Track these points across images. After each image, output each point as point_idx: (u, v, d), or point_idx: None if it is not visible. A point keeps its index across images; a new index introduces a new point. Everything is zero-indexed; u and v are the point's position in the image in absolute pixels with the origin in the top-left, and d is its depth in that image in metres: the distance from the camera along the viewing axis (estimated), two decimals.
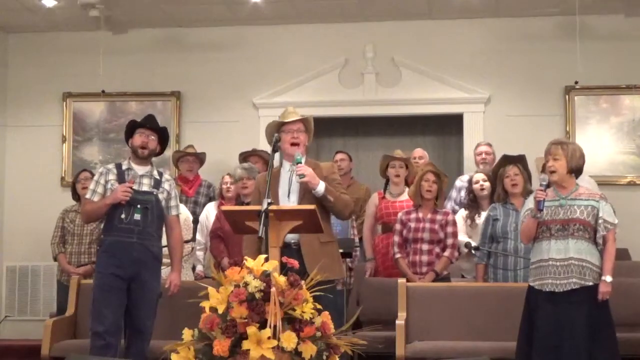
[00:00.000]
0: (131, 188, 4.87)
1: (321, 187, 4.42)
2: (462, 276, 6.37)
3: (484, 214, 5.98)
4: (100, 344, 4.72)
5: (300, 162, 4.40)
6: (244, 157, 7.40)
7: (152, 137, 5.08)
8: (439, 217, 5.80)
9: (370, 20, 8.26)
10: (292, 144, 4.57)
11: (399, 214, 5.95)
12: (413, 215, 5.84)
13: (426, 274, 5.67)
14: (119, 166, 5.07)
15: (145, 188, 4.98)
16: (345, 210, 4.59)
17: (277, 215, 3.74)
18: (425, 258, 5.72)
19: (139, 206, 4.88)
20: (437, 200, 5.85)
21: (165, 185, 5.08)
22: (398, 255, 5.79)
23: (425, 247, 5.73)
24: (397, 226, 5.87)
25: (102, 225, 5.04)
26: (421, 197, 5.82)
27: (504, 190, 5.73)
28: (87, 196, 5.06)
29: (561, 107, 8.08)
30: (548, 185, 4.56)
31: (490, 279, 5.67)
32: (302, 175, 4.36)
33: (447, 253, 5.74)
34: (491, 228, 5.69)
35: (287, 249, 4.23)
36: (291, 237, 4.35)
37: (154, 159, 5.20)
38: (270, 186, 4.29)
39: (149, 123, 5.13)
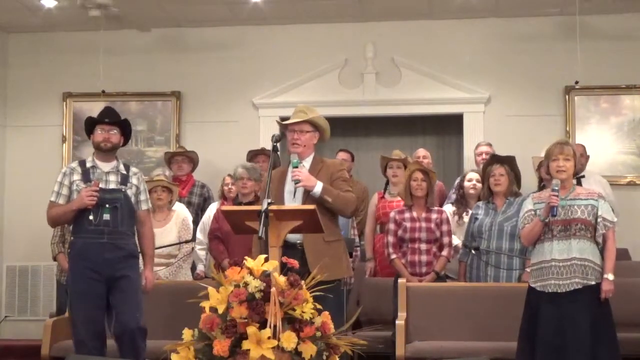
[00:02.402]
0: (97, 190, 4.65)
1: (317, 188, 4.46)
2: (446, 275, 6.35)
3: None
4: (84, 351, 4.58)
5: (296, 167, 4.45)
6: (252, 155, 7.36)
7: (113, 131, 4.84)
8: (434, 215, 5.79)
9: (370, 20, 8.26)
10: (292, 144, 4.62)
11: (392, 214, 5.91)
12: (407, 215, 5.81)
13: (426, 275, 5.67)
14: (82, 164, 4.85)
15: (112, 186, 4.76)
16: (346, 209, 4.60)
17: (277, 215, 3.74)
18: (424, 258, 5.70)
19: (107, 206, 4.66)
20: (427, 197, 5.84)
21: (133, 180, 4.87)
22: (393, 256, 5.76)
23: (423, 246, 5.72)
24: (391, 226, 5.82)
25: (70, 227, 4.85)
26: (411, 196, 5.82)
27: (489, 189, 5.77)
28: (52, 199, 4.82)
29: (561, 107, 8.08)
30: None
31: (468, 277, 5.71)
32: (297, 181, 4.43)
33: (445, 252, 5.74)
34: (472, 226, 5.73)
35: (291, 249, 4.27)
36: (296, 237, 4.38)
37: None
38: (277, 185, 4.46)
39: (108, 117, 4.88)
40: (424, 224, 5.74)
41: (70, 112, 8.57)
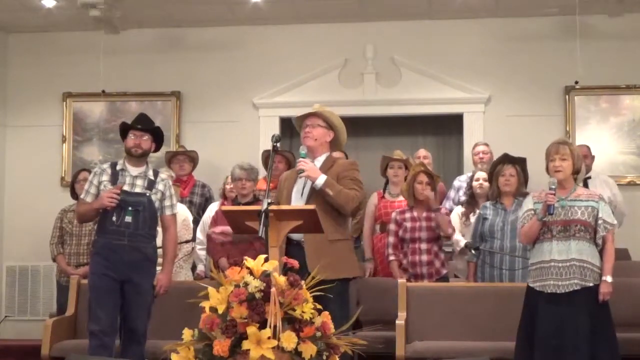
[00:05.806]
0: (118, 194, 4.83)
1: (320, 180, 4.48)
2: (455, 276, 6.37)
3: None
4: (96, 343, 4.77)
5: (303, 157, 4.49)
6: (267, 156, 7.32)
7: (145, 137, 5.03)
8: (434, 215, 5.79)
9: (370, 20, 8.26)
10: (304, 137, 4.69)
11: (393, 214, 5.91)
12: (408, 215, 5.81)
13: (427, 274, 5.65)
14: (113, 166, 5.05)
15: (137, 189, 4.95)
16: (346, 205, 4.57)
17: (277, 215, 3.74)
18: (424, 258, 5.71)
19: (130, 208, 4.86)
20: (430, 200, 5.83)
21: (159, 186, 5.04)
22: (392, 257, 5.75)
23: (424, 246, 5.72)
24: (392, 226, 5.81)
25: (96, 227, 5.05)
26: (414, 198, 5.81)
27: (498, 188, 5.74)
28: (82, 196, 5.08)
29: (561, 107, 8.08)
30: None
31: (479, 277, 5.69)
32: (301, 171, 4.47)
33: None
34: (481, 227, 5.70)
35: (295, 247, 4.42)
36: (299, 235, 4.42)
37: (153, 160, 5.20)
38: (288, 184, 4.59)
39: (141, 124, 5.08)
40: (424, 224, 5.74)
41: (70, 112, 8.57)
